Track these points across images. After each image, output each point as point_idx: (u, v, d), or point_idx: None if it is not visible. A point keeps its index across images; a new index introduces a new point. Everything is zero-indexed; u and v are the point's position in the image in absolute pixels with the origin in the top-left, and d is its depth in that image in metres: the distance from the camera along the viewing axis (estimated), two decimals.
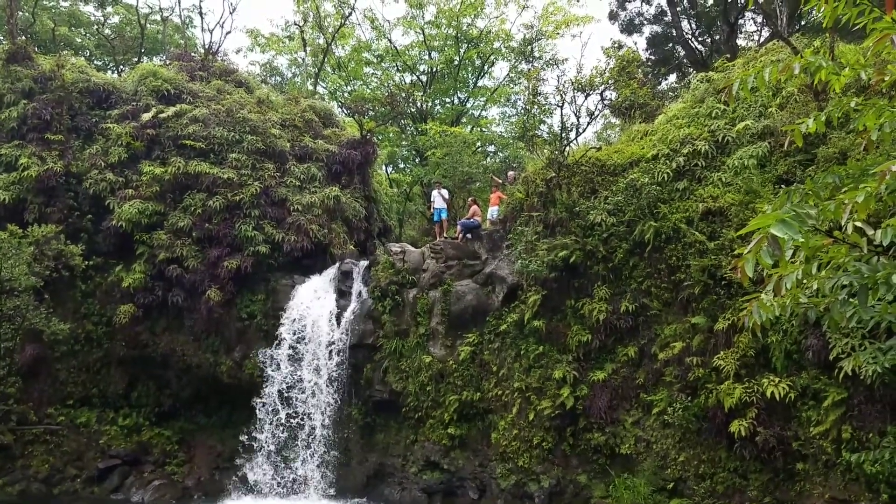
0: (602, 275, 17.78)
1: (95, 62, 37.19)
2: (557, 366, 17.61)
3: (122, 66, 36.21)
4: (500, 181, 23.44)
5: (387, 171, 36.56)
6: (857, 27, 6.48)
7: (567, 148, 20.60)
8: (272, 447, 19.40)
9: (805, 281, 6.43)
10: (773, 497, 14.35)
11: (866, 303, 6.34)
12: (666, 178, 17.47)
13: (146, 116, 22.88)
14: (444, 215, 24.33)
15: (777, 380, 14.11)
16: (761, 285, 7.21)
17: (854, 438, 13.00)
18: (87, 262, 21.17)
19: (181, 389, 21.76)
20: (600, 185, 18.70)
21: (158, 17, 39.11)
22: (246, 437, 19.48)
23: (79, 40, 37.92)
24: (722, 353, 15.12)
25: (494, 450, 18.37)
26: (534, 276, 18.38)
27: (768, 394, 14.01)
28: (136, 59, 34.73)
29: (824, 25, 6.85)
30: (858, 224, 5.93)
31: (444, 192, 24.77)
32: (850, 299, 6.57)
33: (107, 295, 21.41)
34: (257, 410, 19.50)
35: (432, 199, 24.82)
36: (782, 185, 14.80)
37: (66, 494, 19.53)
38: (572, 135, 23.42)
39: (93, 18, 39.43)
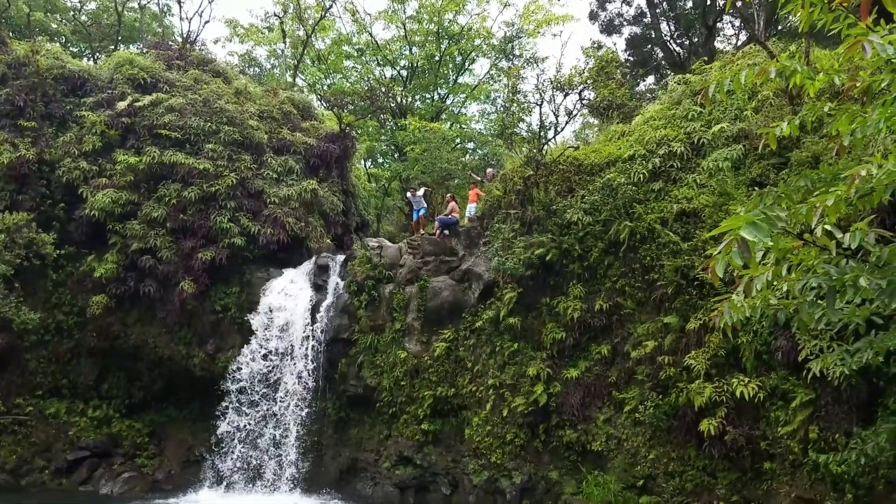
0: (577, 273, 17.89)
1: (71, 49, 36.63)
2: (532, 363, 17.70)
3: (98, 54, 35.73)
4: (479, 178, 23.48)
5: (365, 166, 36.42)
6: (833, 32, 6.58)
7: (545, 146, 20.68)
8: (244, 441, 19.28)
9: (775, 283, 6.53)
10: (740, 496, 14.54)
11: (834, 305, 6.46)
12: (642, 179, 17.60)
13: (121, 105, 22.59)
14: (422, 212, 24.31)
15: (747, 380, 14.29)
16: (733, 286, 7.31)
17: (821, 439, 13.22)
18: (58, 252, 20.89)
19: (153, 382, 21.55)
20: (577, 184, 18.80)
21: (136, 5, 38.62)
22: (218, 430, 19.35)
23: (54, 26, 37.31)
24: (693, 352, 15.28)
25: (467, 446, 18.42)
26: (510, 274, 18.44)
27: (738, 393, 14.19)
28: (112, 47, 34.26)
29: (800, 30, 6.95)
30: (828, 227, 6.03)
31: (422, 190, 24.77)
32: (819, 301, 6.69)
33: (78, 285, 21.13)
34: (230, 404, 19.37)
35: (408, 195, 24.88)
36: (756, 188, 14.97)
37: (33, 486, 19.28)
38: (550, 133, 23.53)
39: (69, 4, 38.81)
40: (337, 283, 21.08)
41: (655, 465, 15.80)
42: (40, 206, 21.26)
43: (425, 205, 24.05)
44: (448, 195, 23.42)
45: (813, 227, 6.00)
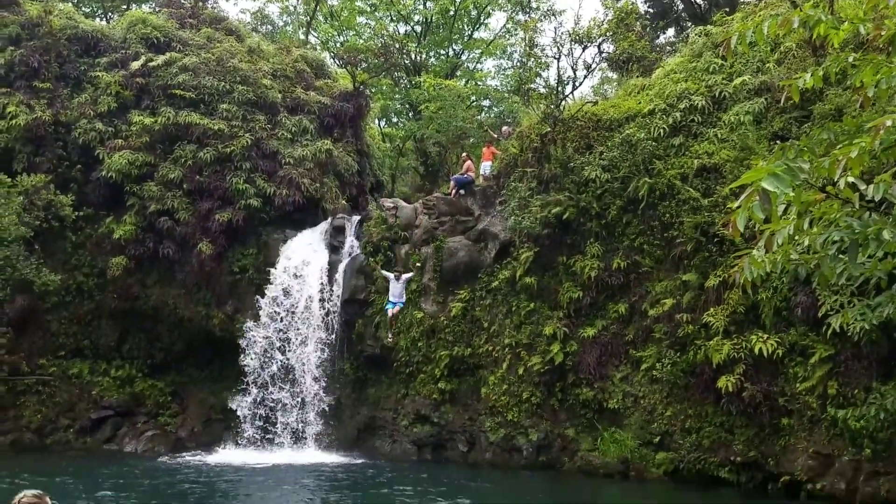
0: (595, 231, 17.77)
1: (83, 9, 36.25)
2: (548, 322, 17.70)
3: (110, 14, 35.45)
4: (496, 136, 23.16)
5: (379, 126, 36.11)
6: None
7: (563, 102, 20.36)
8: (264, 401, 19.49)
9: (797, 237, 6.39)
10: (757, 451, 14.57)
11: (856, 259, 6.31)
12: (662, 134, 17.34)
13: (135, 65, 22.45)
14: (398, 305, 19.19)
15: (766, 336, 14.22)
16: (753, 242, 7.17)
17: (839, 394, 13.17)
18: (77, 213, 20.98)
19: (173, 342, 21.77)
20: (596, 140, 18.54)
21: None
22: (238, 390, 19.56)
23: None
24: (712, 309, 15.20)
25: (484, 404, 18.55)
26: (527, 233, 18.34)
27: (756, 350, 14.13)
28: (125, 6, 33.97)
29: None
30: (852, 180, 5.86)
31: (406, 277, 19.36)
32: (841, 256, 6.54)
33: (97, 246, 21.26)
34: (248, 365, 19.54)
35: (390, 275, 19.37)
36: (778, 142, 14.66)
37: (58, 445, 19.64)
38: (568, 89, 23.08)
39: None
40: (352, 244, 21.08)
41: (672, 421, 15.83)
42: (57, 168, 21.30)
43: (404, 298, 19.19)
44: (464, 154, 23.18)
45: (836, 179, 5.84)
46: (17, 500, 4.51)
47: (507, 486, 16.07)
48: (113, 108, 21.94)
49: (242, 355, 19.54)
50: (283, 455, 18.57)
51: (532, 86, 23.25)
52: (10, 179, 19.97)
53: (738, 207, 5.32)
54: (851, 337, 12.35)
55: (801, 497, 13.80)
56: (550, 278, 18.30)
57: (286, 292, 20.09)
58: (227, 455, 18.64)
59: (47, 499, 4.63)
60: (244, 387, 19.45)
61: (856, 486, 13.06)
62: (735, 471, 14.87)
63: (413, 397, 19.43)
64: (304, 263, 20.52)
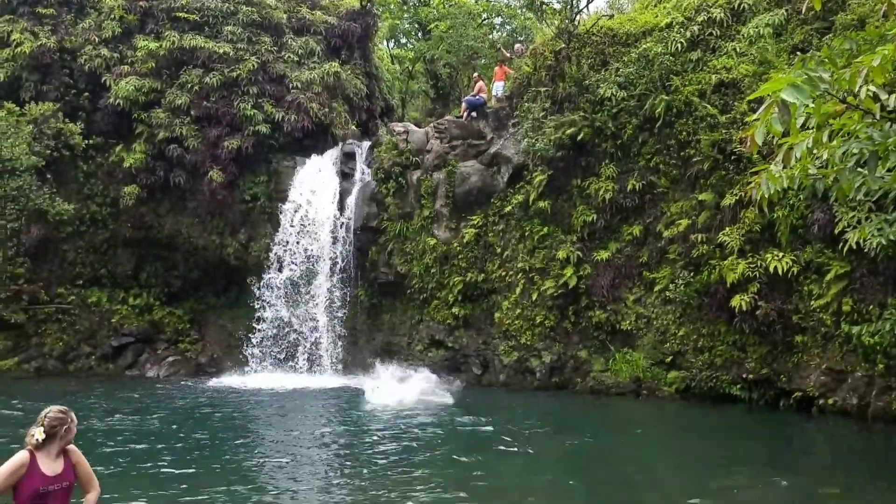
0: (610, 152, 17.50)
1: None
2: (562, 246, 17.63)
3: None
4: (508, 55, 22.57)
5: (388, 47, 35.29)
6: None
7: (578, 17, 19.76)
8: (282, 326, 19.76)
9: (815, 150, 6.19)
10: (770, 368, 14.66)
11: (875, 171, 6.13)
12: (679, 49, 16.86)
13: None
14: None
15: (781, 255, 14.12)
16: (770, 157, 6.99)
17: (854, 311, 13.14)
18: (87, 142, 20.85)
19: (189, 271, 21.93)
20: (611, 56, 18.06)
21: None
22: (255, 317, 19.81)
23: None
24: (727, 229, 15.07)
25: (498, 328, 18.70)
26: (540, 156, 18.08)
27: (771, 268, 14.06)
28: None
29: None
30: (873, 90, 5.63)
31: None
32: (860, 169, 6.36)
33: (109, 175, 21.23)
34: (264, 292, 19.74)
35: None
36: (798, 54, 14.24)
37: (81, 371, 20.07)
38: (583, 2, 22.34)
39: None
40: (364, 171, 20.90)
41: (685, 341, 15.91)
42: (65, 96, 21.08)
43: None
44: (475, 75, 22.65)
45: (856, 90, 5.60)
46: (43, 415, 4.65)
47: (521, 405, 16.30)
48: (117, 33, 21.56)
49: (265, 287, 19.76)
50: (302, 379, 18.90)
51: (546, 0, 22.48)
52: (18, 108, 19.82)
53: (757, 120, 5.14)
54: (868, 253, 12.23)
55: (813, 412, 13.96)
56: (564, 202, 18.14)
57: (298, 221, 20.12)
58: (247, 379, 18.98)
59: (72, 414, 4.75)
60: (261, 315, 19.71)
61: (868, 400, 13.17)
62: (747, 388, 15.02)
63: (427, 323, 19.60)
64: (315, 191, 20.44)
